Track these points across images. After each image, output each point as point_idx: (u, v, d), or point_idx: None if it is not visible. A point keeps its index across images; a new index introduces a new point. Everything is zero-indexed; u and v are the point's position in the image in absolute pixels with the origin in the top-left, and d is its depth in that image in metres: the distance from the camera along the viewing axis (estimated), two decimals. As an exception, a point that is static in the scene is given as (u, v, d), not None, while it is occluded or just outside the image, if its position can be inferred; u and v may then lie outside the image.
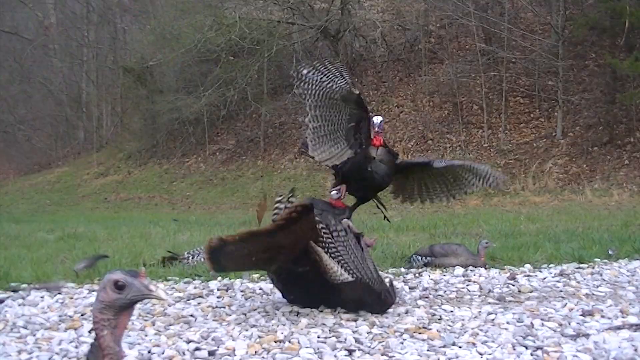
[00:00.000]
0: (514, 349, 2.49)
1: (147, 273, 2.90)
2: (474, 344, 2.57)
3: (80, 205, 16.76)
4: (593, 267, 4.29)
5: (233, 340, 2.64)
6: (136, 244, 6.00)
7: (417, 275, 4.16)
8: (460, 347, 2.53)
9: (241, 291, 3.66)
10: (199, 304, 3.37)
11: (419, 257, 4.44)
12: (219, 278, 3.95)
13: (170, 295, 3.57)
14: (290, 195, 3.20)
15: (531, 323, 2.84)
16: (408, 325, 2.83)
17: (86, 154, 22.84)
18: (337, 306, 3.12)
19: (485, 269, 4.29)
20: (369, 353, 2.48)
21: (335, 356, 2.45)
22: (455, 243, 4.56)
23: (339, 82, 3.35)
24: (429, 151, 15.27)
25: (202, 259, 4.58)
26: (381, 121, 3.44)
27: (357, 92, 3.34)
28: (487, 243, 4.43)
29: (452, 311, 3.12)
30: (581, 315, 2.99)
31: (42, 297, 3.59)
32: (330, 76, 3.35)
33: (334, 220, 3.05)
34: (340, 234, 2.97)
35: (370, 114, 3.45)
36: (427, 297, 3.50)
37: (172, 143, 19.58)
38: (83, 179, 19.87)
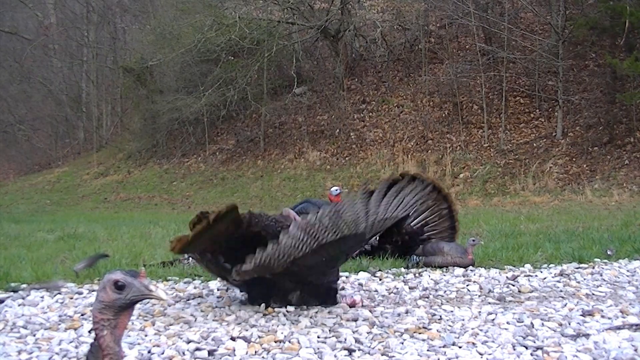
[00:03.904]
0: (514, 349, 2.49)
1: (147, 273, 2.90)
2: (474, 344, 2.56)
3: (80, 205, 16.75)
4: (593, 267, 4.29)
5: (233, 340, 2.64)
6: (136, 244, 5.98)
7: (417, 275, 4.16)
8: (460, 347, 2.52)
9: (241, 291, 3.66)
10: (199, 304, 3.37)
11: (415, 257, 4.48)
12: (219, 278, 3.94)
13: (170, 296, 3.57)
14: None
15: (531, 323, 2.84)
16: (408, 325, 2.83)
17: (86, 154, 22.83)
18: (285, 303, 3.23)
19: (474, 266, 4.31)
20: (369, 353, 2.47)
21: (335, 356, 2.45)
22: (446, 241, 4.59)
23: None
24: (429, 151, 15.27)
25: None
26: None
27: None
28: (474, 241, 4.45)
29: (452, 311, 3.12)
30: (581, 315, 2.99)
31: (42, 297, 3.59)
32: None
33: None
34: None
35: None
36: (427, 297, 3.50)
37: (172, 143, 19.57)
38: (83, 179, 19.86)
